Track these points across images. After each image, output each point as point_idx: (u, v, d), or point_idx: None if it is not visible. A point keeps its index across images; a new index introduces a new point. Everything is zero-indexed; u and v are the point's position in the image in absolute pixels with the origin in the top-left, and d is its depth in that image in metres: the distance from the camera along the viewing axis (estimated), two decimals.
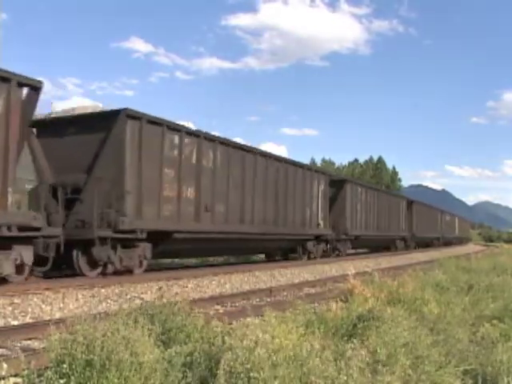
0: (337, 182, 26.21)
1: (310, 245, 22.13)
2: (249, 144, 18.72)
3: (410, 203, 38.91)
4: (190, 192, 14.36)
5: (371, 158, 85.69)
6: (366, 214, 28.85)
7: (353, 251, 30.13)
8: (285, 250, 22.47)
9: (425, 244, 43.65)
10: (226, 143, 16.14)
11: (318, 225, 22.46)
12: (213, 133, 17.32)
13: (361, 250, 33.13)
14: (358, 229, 27.30)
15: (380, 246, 33.95)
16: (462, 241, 65.47)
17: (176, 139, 13.91)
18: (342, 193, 26.11)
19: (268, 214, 18.46)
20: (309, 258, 22.07)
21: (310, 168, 23.58)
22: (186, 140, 14.28)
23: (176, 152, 13.92)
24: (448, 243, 52.91)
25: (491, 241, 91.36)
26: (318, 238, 22.78)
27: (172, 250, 14.82)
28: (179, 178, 13.87)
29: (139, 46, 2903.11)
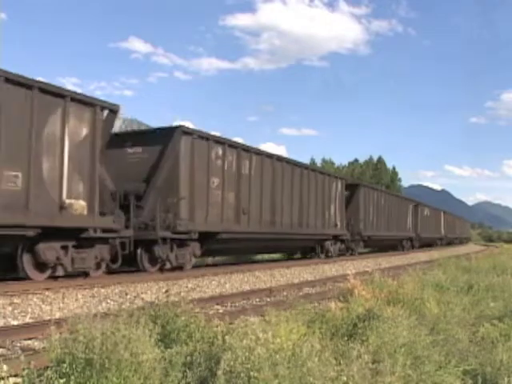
0: (159, 133, 14.66)
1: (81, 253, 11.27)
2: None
3: (353, 187, 27.07)
4: None
5: (371, 158, 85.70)
6: (237, 196, 16.18)
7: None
8: None
9: (382, 246, 32.58)
10: None
11: (64, 208, 10.73)
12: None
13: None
14: (212, 222, 15.05)
15: (285, 249, 23.34)
16: (451, 242, 53.68)
17: None
18: (170, 153, 13.99)
19: None
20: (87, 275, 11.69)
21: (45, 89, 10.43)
22: None
23: None
24: (427, 245, 42.44)
25: (491, 241, 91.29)
26: (89, 240, 11.36)
27: None
28: None
29: (138, 46, 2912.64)
